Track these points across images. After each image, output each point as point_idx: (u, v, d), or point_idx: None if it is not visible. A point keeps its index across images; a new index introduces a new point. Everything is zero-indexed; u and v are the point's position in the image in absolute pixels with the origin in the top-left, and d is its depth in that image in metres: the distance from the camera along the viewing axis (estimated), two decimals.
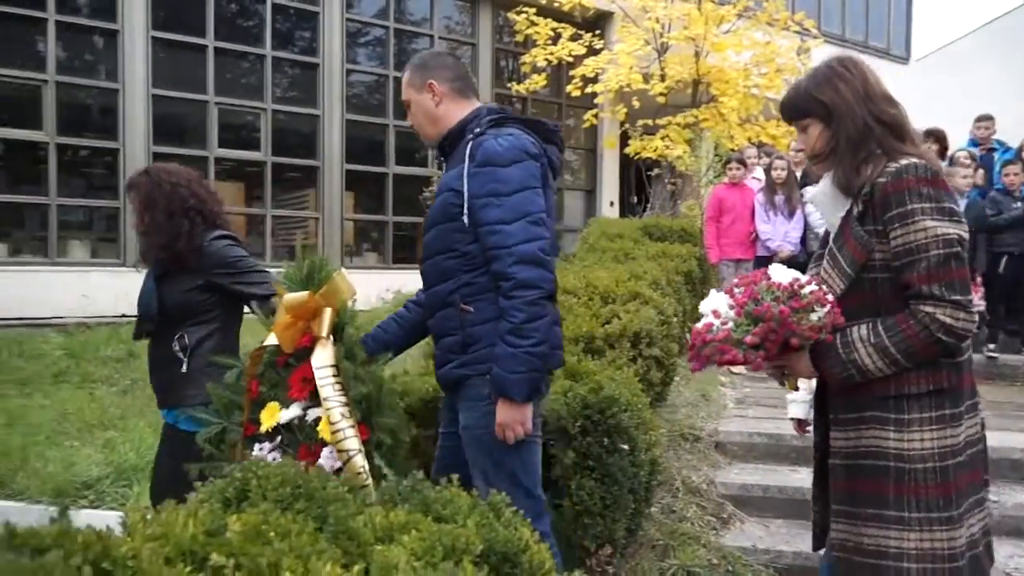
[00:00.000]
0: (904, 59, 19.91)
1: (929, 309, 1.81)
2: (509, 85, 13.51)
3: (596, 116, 13.04)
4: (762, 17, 11.74)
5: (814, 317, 1.85)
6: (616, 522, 3.09)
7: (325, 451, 2.17)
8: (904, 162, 1.86)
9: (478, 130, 2.31)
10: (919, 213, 1.82)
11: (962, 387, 1.91)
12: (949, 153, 7.12)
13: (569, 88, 12.44)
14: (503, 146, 2.24)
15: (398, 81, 11.28)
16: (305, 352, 2.27)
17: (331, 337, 2.27)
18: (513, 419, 2.20)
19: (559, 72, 13.61)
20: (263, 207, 11.94)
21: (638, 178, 14.83)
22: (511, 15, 12.79)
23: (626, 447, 3.10)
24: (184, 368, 2.90)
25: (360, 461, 2.11)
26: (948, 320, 1.80)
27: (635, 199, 15.85)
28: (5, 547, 1.53)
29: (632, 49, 11.62)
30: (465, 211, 2.24)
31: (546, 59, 12.23)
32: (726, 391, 5.76)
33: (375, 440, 2.24)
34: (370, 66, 13.31)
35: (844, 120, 1.95)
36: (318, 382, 2.19)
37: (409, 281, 11.63)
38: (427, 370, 3.29)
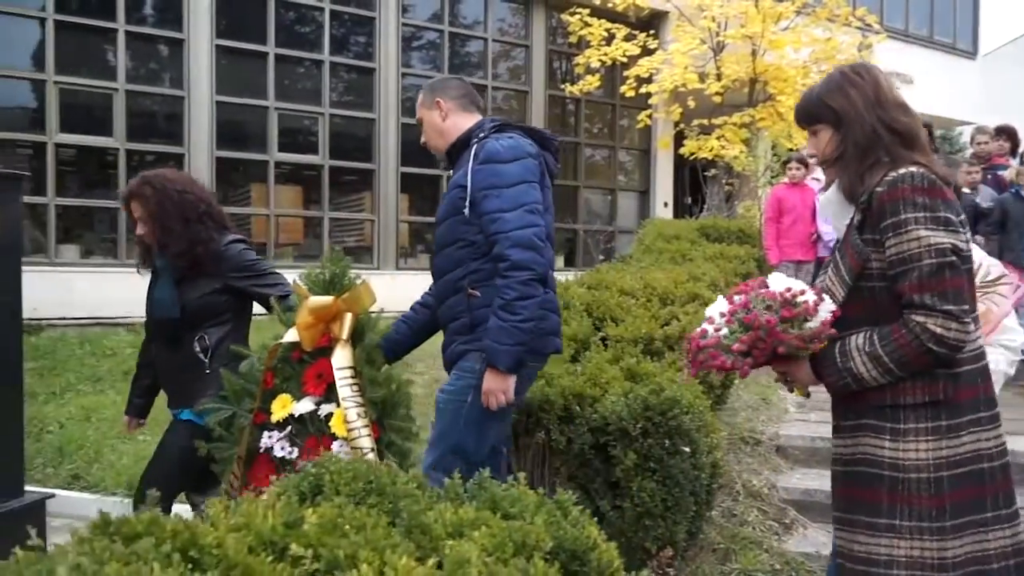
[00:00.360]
0: (971, 54, 19.26)
1: (920, 319, 1.81)
2: (563, 86, 13.52)
3: (650, 117, 12.95)
4: (822, 13, 11.51)
5: (809, 327, 1.87)
6: (677, 524, 3.09)
7: (335, 445, 2.36)
8: (902, 171, 1.86)
9: (482, 135, 2.56)
10: (912, 223, 1.82)
11: (960, 399, 1.88)
12: (1021, 150, 6.88)
13: (623, 89, 12.38)
14: (504, 146, 2.48)
15: None
16: (321, 351, 2.47)
17: (350, 340, 2.46)
18: (497, 387, 2.43)
19: (613, 73, 13.55)
20: (320, 210, 12.18)
21: (692, 179, 14.69)
22: (565, 16, 12.79)
23: (687, 449, 3.09)
24: (208, 369, 3.00)
25: (372, 459, 2.27)
26: (939, 330, 1.79)
27: (689, 200, 15.70)
28: (100, 534, 1.61)
29: (687, 48, 11.52)
30: (467, 203, 2.46)
31: (600, 60, 12.20)
32: (786, 395, 5.67)
33: (386, 440, 2.45)
34: (425, 70, 13.46)
35: (853, 126, 1.96)
36: (337, 382, 2.38)
37: None
38: None
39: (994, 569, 1.88)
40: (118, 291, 10.16)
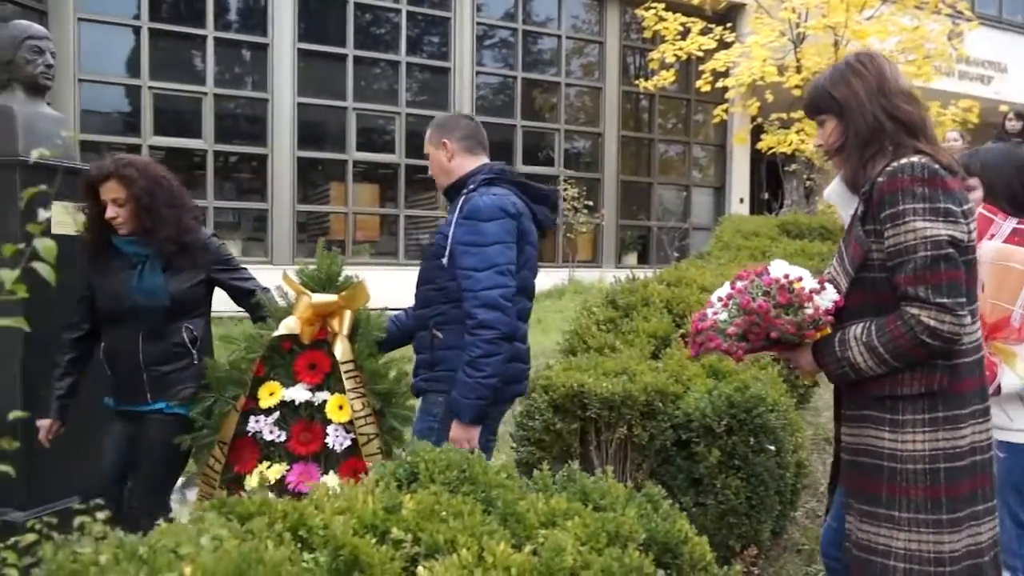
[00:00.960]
0: None
1: (914, 311, 1.80)
2: (636, 82, 13.42)
3: (726, 111, 12.73)
4: (909, 1, 11.09)
5: (806, 313, 1.88)
6: (761, 523, 3.06)
7: (330, 429, 2.59)
8: (903, 161, 1.85)
9: (472, 187, 2.67)
10: (910, 214, 1.81)
11: (959, 390, 1.87)
12: None
13: (699, 83, 12.20)
14: (485, 204, 2.59)
15: (526, 82, 11.46)
16: (313, 343, 2.67)
17: (350, 335, 2.68)
18: (461, 437, 2.56)
19: (688, 67, 13.37)
20: (396, 207, 12.43)
21: (770, 174, 14.36)
22: (639, 11, 12.68)
23: (772, 448, 3.05)
24: (195, 360, 2.91)
25: (377, 444, 2.60)
26: (932, 323, 1.78)
27: (766, 196, 15.37)
28: (218, 511, 1.72)
29: (766, 41, 11.27)
30: (447, 253, 2.62)
31: (675, 54, 12.04)
32: None
33: (387, 426, 2.70)
34: (499, 68, 13.56)
35: (855, 116, 1.94)
36: (343, 375, 2.61)
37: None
38: (570, 365, 3.36)
39: (986, 561, 1.89)
40: None
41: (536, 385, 3.29)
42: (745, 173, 14.84)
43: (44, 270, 0.93)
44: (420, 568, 1.53)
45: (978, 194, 2.44)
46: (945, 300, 1.77)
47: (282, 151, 11.30)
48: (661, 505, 1.91)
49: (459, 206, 2.65)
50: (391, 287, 11.47)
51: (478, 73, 12.92)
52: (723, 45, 11.90)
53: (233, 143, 11.36)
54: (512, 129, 13.15)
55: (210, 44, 10.89)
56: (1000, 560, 1.97)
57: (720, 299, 2.00)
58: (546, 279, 11.67)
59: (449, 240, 2.61)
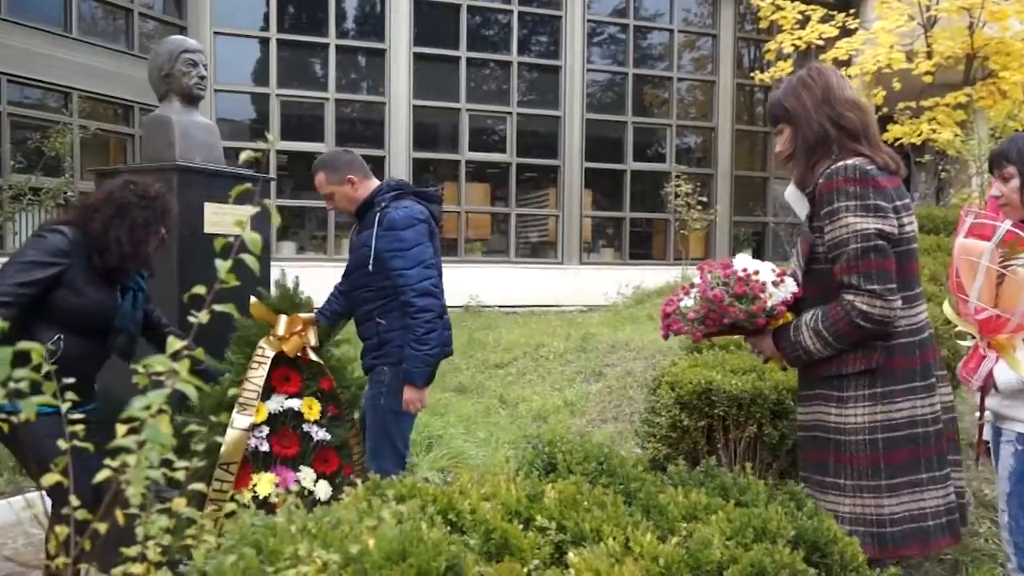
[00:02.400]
0: None
1: (850, 297, 1.99)
2: (752, 75, 13.03)
3: None
4: None
5: (761, 302, 2.07)
6: None
7: (306, 426, 2.99)
8: (839, 164, 2.03)
9: (384, 204, 3.22)
10: (844, 211, 2.00)
11: (894, 368, 2.04)
12: None
13: None
14: (400, 216, 3.18)
15: (637, 78, 11.34)
16: (278, 359, 3.03)
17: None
18: (415, 398, 3.19)
19: (806, 57, 12.87)
20: (507, 206, 12.59)
21: None
22: (755, 1, 12.32)
23: None
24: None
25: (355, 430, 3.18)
26: (865, 307, 1.97)
27: None
28: (371, 493, 1.81)
29: (893, 26, 10.71)
30: (371, 261, 3.17)
31: (793, 44, 11.63)
32: None
33: (359, 416, 3.27)
34: (609, 65, 13.50)
35: (803, 124, 2.14)
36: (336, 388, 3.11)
37: (645, 276, 11.69)
38: (696, 362, 3.33)
39: (930, 526, 2.05)
40: (327, 285, 11.09)
41: (661, 381, 3.28)
42: None
43: (251, 261, 1.01)
44: (570, 554, 1.56)
45: (1015, 183, 2.32)
46: (875, 287, 1.97)
47: (398, 152, 11.66)
48: (805, 503, 1.88)
49: (376, 220, 3.20)
50: (502, 284, 11.73)
51: (588, 70, 12.90)
52: (845, 32, 11.40)
53: (353, 146, 11.79)
54: (623, 126, 13.06)
55: (332, 51, 11.37)
56: (957, 526, 2.11)
57: (687, 286, 2.22)
58: (658, 276, 11.52)
59: (372, 250, 3.17)
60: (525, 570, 1.54)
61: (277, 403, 3.00)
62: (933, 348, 2.16)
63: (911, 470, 2.04)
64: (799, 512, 1.84)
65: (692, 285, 2.19)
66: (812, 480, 2.16)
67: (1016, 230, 2.23)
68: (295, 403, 3.01)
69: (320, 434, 3.00)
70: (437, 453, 4.84)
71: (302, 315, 3.11)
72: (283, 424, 3.00)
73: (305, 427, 3.01)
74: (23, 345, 0.92)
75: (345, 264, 3.50)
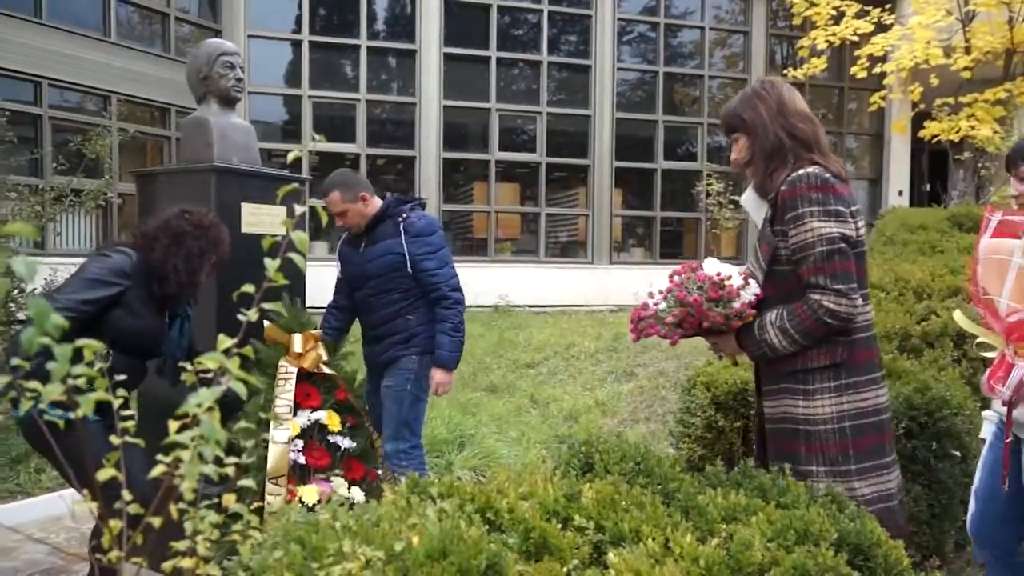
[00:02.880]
0: None
1: (816, 296, 2.10)
2: (784, 72, 12.88)
3: (883, 98, 12.00)
4: None
5: (733, 307, 2.17)
6: (945, 533, 2.88)
7: (331, 438, 3.16)
8: (800, 171, 2.13)
9: (404, 215, 3.59)
10: (808, 216, 2.11)
11: (856, 361, 2.17)
12: None
13: (854, 70, 11.57)
14: (425, 224, 3.62)
15: (667, 76, 11.27)
16: (300, 377, 3.20)
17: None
18: (447, 380, 3.58)
19: (840, 54, 12.71)
20: (537, 206, 12.58)
21: (932, 164, 13.41)
22: None
23: (957, 454, 2.87)
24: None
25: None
26: (831, 306, 2.08)
27: (927, 187, 14.33)
28: (411, 491, 1.82)
29: (930, 21, 10.52)
30: (408, 265, 3.53)
31: (827, 40, 11.47)
32: None
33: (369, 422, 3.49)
34: (640, 63, 13.44)
35: (759, 134, 2.24)
36: (351, 398, 3.29)
37: None
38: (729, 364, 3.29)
39: (895, 505, 2.17)
40: None
41: (696, 381, 3.25)
42: (904, 163, 13.91)
43: (298, 260, 1.03)
44: (610, 554, 1.56)
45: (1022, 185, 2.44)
46: (840, 286, 2.08)
47: (429, 153, 11.71)
48: (847, 506, 1.85)
49: (402, 229, 3.56)
50: (532, 284, 11.73)
51: (619, 69, 12.85)
52: (881, 28, 11.23)
53: (383, 146, 11.89)
54: (653, 124, 12.99)
55: (363, 53, 11.46)
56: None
57: (660, 292, 2.27)
58: None
59: (407, 256, 3.52)
60: (564, 570, 1.54)
61: (304, 418, 3.15)
62: (877, 345, 2.34)
63: (877, 454, 2.19)
64: (841, 514, 1.81)
65: (668, 291, 2.25)
66: (783, 469, 2.19)
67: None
68: (321, 415, 3.18)
69: (345, 443, 3.18)
70: (469, 452, 4.85)
71: (312, 332, 3.33)
72: (311, 437, 3.16)
73: (331, 438, 3.18)
74: (82, 342, 0.94)
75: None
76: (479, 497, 1.79)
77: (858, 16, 11.35)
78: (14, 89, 8.73)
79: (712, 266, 2.23)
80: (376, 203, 3.64)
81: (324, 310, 3.89)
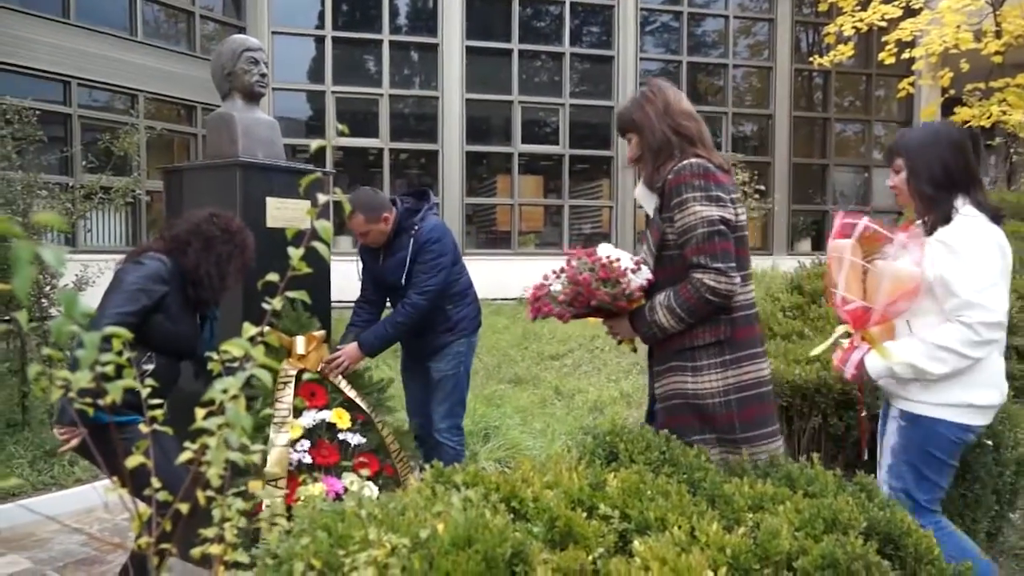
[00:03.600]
0: None
1: (698, 275, 2.25)
2: (811, 59, 12.71)
3: (912, 84, 11.79)
4: None
5: (622, 285, 2.30)
6: (976, 523, 2.83)
7: (341, 436, 3.21)
8: (684, 162, 2.30)
9: (416, 227, 3.68)
10: (692, 201, 2.27)
11: (738, 338, 2.32)
12: None
13: (882, 56, 11.38)
14: (428, 230, 3.69)
15: (691, 66, 11.15)
16: (301, 378, 3.28)
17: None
18: (354, 358, 3.49)
19: (867, 40, 12.52)
20: (560, 198, 12.55)
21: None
22: None
23: (990, 443, 2.82)
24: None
25: (387, 429, 3.38)
26: (712, 283, 2.23)
27: None
28: (435, 480, 1.83)
29: (960, 5, 10.30)
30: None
31: (854, 27, 11.28)
32: None
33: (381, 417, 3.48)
34: (663, 53, 13.33)
35: (647, 133, 2.41)
36: (344, 388, 3.36)
37: None
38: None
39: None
40: None
41: None
42: None
43: (322, 249, 1.03)
44: (635, 543, 1.55)
45: (899, 177, 2.47)
46: (720, 265, 2.24)
47: (452, 146, 11.72)
48: (877, 494, 1.83)
49: (412, 240, 3.67)
50: None
51: (641, 59, 12.76)
52: (909, 13, 11.03)
53: (406, 140, 11.92)
54: None
55: (385, 48, 11.49)
56: None
57: (555, 272, 2.42)
58: None
59: (407, 262, 3.66)
60: (590, 558, 1.54)
61: (310, 417, 3.20)
62: (759, 323, 2.47)
63: (762, 424, 2.34)
64: (870, 503, 1.79)
65: (561, 271, 2.41)
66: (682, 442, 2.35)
67: (874, 225, 2.43)
68: (326, 414, 3.24)
69: (356, 439, 3.24)
70: (494, 444, 4.87)
71: (315, 333, 3.38)
72: (319, 436, 3.21)
73: (341, 436, 3.23)
74: (109, 330, 0.96)
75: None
76: (504, 486, 1.79)
77: (885, 1, 11.15)
78: (44, 89, 8.87)
79: (605, 250, 2.38)
80: (392, 216, 3.73)
81: (352, 304, 3.92)
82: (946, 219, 2.32)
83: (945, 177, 2.37)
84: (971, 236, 2.29)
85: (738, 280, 2.29)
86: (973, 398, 2.32)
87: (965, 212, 2.33)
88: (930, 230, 2.35)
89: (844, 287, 2.44)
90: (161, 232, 3.01)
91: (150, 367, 2.74)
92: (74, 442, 2.54)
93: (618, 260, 2.34)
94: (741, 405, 2.32)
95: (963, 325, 2.24)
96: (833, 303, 2.55)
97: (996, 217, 2.38)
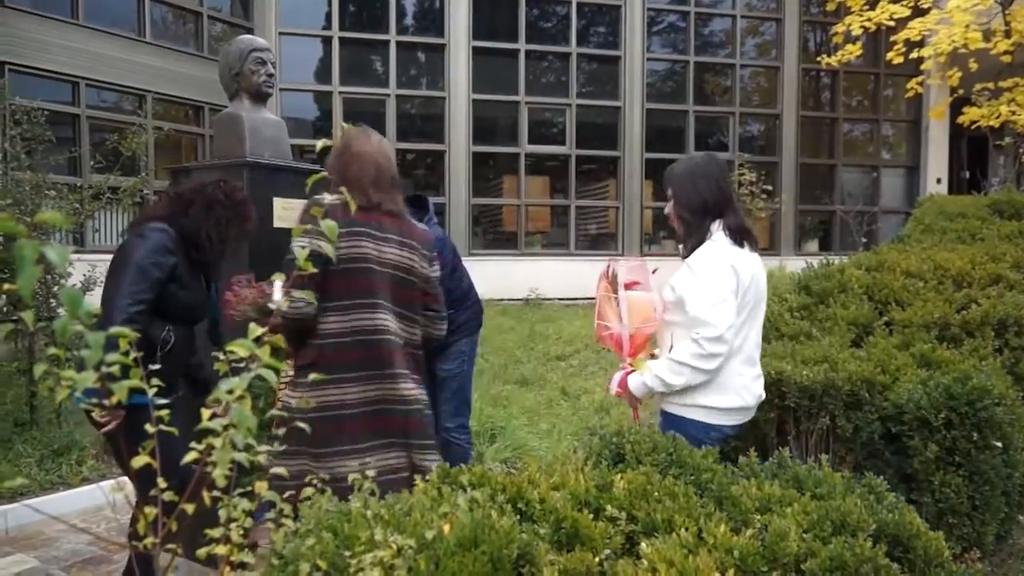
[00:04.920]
0: None
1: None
2: (818, 59, 12.67)
3: (920, 84, 11.74)
4: None
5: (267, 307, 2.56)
6: (986, 525, 2.81)
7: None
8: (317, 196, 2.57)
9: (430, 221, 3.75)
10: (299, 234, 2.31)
11: (330, 362, 2.47)
12: None
13: (889, 55, 11.34)
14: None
15: (698, 66, 11.16)
16: None
17: None
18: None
19: (876, 40, 12.47)
20: (567, 198, 12.53)
21: (972, 151, 13.11)
22: None
23: (999, 444, 2.80)
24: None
25: None
26: (291, 312, 2.42)
27: (966, 174, 14.00)
28: (441, 481, 1.83)
29: (969, 4, 10.26)
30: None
31: (862, 26, 11.25)
32: None
33: None
34: (670, 53, 13.30)
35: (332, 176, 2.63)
36: None
37: None
38: (765, 353, 3.25)
39: (348, 486, 2.24)
40: None
41: None
42: (943, 150, 13.61)
43: (327, 248, 1.02)
44: (642, 545, 1.54)
45: (670, 205, 2.73)
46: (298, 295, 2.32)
47: (458, 147, 11.72)
48: (885, 496, 1.82)
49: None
50: (562, 276, 11.71)
51: (648, 59, 12.74)
52: (918, 12, 10.98)
53: (413, 141, 11.93)
54: (684, 115, 12.86)
55: (392, 48, 11.50)
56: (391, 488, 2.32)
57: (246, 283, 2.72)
58: None
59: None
60: (596, 560, 1.53)
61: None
62: (376, 349, 2.55)
63: (334, 443, 2.48)
64: (879, 505, 1.78)
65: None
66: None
67: (616, 266, 2.79)
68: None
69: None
70: (500, 444, 4.86)
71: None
72: None
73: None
74: (114, 331, 0.96)
75: None
76: (510, 487, 1.78)
77: (894, 0, 11.11)
78: (53, 89, 8.91)
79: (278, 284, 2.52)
80: None
81: None
82: (701, 242, 2.60)
83: (701, 204, 2.63)
84: (708, 258, 2.54)
85: (310, 311, 2.47)
86: (713, 402, 2.58)
87: (715, 237, 2.60)
88: (688, 252, 2.63)
89: (596, 315, 2.84)
90: (167, 190, 3.03)
91: (171, 340, 2.78)
92: (113, 425, 2.60)
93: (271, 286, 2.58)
94: (318, 423, 2.36)
95: (693, 341, 2.49)
96: (599, 335, 2.87)
97: (743, 240, 2.62)
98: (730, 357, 2.54)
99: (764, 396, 2.72)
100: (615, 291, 2.75)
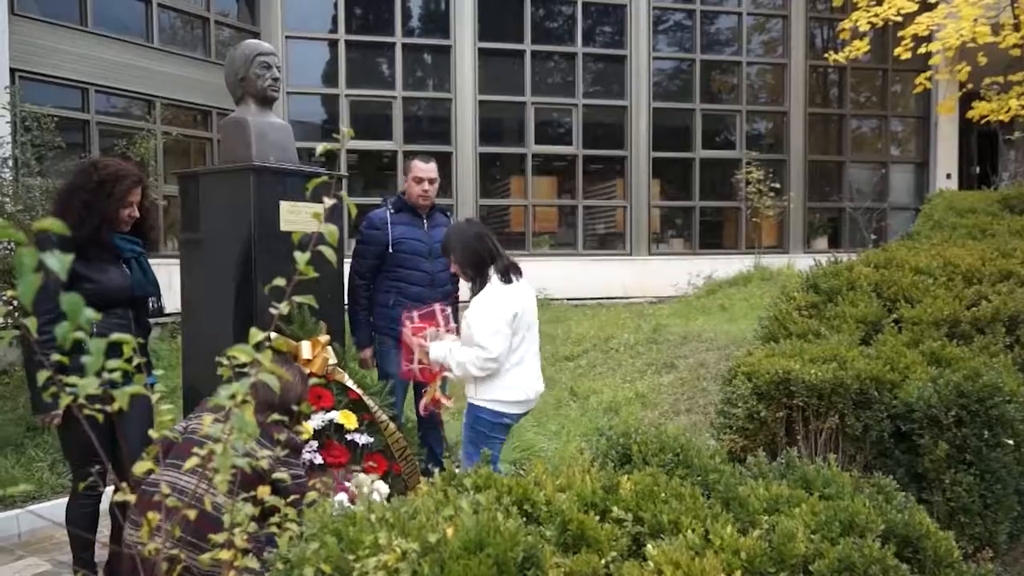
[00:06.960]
0: None
1: None
2: (825, 55, 12.59)
3: (929, 79, 11.64)
4: None
5: None
6: (998, 524, 2.79)
7: (349, 436, 3.36)
8: None
9: (448, 212, 4.38)
10: None
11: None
12: None
13: (897, 51, 11.24)
14: None
15: (705, 64, 11.12)
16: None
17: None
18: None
19: (883, 35, 12.39)
20: (574, 198, 12.51)
21: (982, 146, 13.02)
22: None
23: (1011, 442, 2.78)
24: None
25: (392, 426, 3.54)
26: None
27: (976, 169, 13.90)
28: (447, 483, 1.82)
29: None
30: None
31: (869, 22, 11.16)
32: None
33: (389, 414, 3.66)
34: (676, 52, 13.26)
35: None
36: (363, 396, 3.50)
37: (717, 266, 11.46)
38: (773, 352, 3.24)
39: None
40: None
41: (737, 371, 3.20)
42: (952, 145, 13.52)
43: (328, 253, 1.03)
44: (648, 546, 1.54)
45: (455, 265, 3.52)
46: None
47: (465, 148, 11.73)
48: (894, 496, 1.81)
49: (448, 220, 4.24)
50: (570, 276, 11.69)
51: (654, 58, 12.71)
52: (925, 7, 10.89)
53: (420, 143, 11.93)
54: (691, 113, 12.82)
55: (398, 50, 11.52)
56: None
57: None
58: (730, 266, 11.28)
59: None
60: (602, 562, 1.53)
61: (319, 419, 3.32)
62: None
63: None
64: (888, 505, 1.77)
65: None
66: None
67: (410, 315, 3.65)
68: (334, 415, 3.38)
69: (363, 439, 3.39)
70: (508, 445, 4.85)
71: (319, 337, 3.50)
72: (328, 437, 3.34)
73: (349, 436, 3.36)
74: (116, 337, 0.96)
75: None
76: (516, 489, 1.78)
77: None
78: (62, 96, 8.96)
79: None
80: None
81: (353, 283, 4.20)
82: (484, 285, 3.41)
83: (475, 259, 3.45)
84: (487, 299, 3.38)
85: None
86: (502, 396, 3.40)
87: (492, 281, 3.42)
88: (475, 294, 3.44)
89: (406, 354, 3.67)
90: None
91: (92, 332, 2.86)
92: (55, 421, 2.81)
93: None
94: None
95: (475, 355, 3.32)
96: (405, 369, 3.67)
97: (512, 275, 3.45)
98: (515, 364, 3.41)
99: (543, 390, 3.61)
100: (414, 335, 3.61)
